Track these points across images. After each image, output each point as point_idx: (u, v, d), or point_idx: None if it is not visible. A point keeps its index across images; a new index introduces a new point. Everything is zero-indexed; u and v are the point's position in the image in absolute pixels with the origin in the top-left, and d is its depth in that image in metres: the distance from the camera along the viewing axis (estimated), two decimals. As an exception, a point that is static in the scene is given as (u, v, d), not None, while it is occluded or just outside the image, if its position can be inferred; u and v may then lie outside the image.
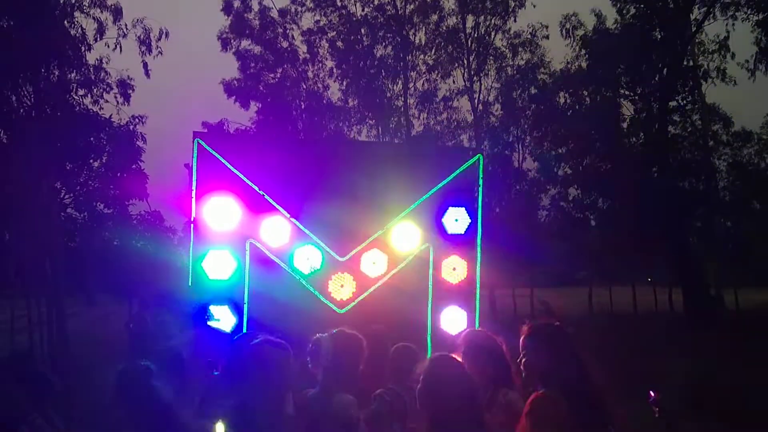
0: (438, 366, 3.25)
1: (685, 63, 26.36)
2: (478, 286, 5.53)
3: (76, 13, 20.35)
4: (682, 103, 27.78)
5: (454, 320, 5.38)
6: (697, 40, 26.63)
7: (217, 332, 4.93)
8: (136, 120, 21.16)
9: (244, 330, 4.94)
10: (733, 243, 32.56)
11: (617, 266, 33.17)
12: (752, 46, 24.56)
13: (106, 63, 20.97)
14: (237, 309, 5.06)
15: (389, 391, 4.00)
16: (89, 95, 20.65)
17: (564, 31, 28.90)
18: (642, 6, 26.41)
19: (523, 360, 3.20)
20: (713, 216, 30.06)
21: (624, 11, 27.25)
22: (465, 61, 30.76)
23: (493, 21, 30.51)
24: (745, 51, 25.19)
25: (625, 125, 28.85)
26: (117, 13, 20.94)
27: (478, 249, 5.52)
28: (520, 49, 30.83)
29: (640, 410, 3.72)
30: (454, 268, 5.45)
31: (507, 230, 23.21)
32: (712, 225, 30.41)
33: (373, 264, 5.34)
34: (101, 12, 20.77)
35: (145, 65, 21.75)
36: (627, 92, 28.31)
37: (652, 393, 3.62)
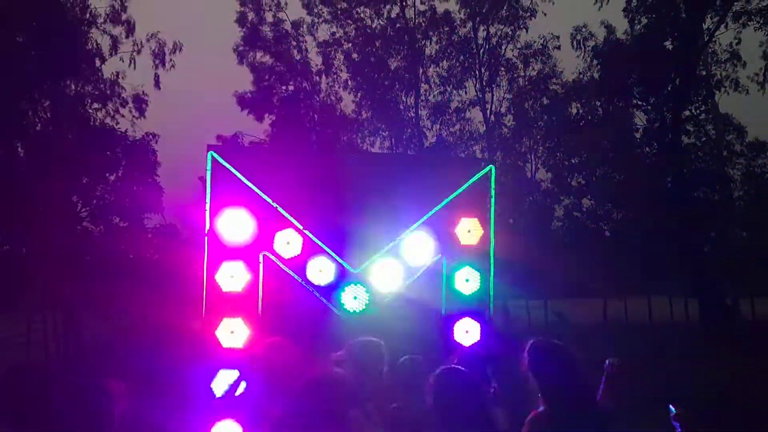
0: (446, 379, 3.26)
1: (697, 72, 26.28)
2: (491, 297, 5.52)
3: (92, 29, 20.67)
4: (695, 113, 27.68)
5: (467, 332, 5.37)
6: (710, 50, 26.57)
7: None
8: (150, 137, 21.41)
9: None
10: (748, 253, 32.22)
11: (632, 277, 32.91)
12: (761, 60, 24.57)
13: (122, 78, 21.27)
14: (251, 322, 5.09)
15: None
16: (104, 109, 20.93)
17: (575, 42, 28.96)
18: (653, 16, 26.39)
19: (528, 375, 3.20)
20: (728, 226, 29.81)
21: (635, 21, 27.25)
22: (477, 72, 30.84)
23: (503, 31, 30.60)
24: (755, 63, 25.17)
25: (638, 135, 28.76)
26: (130, 27, 21.24)
27: (491, 260, 5.51)
28: (531, 59, 30.88)
29: (661, 422, 3.67)
30: (467, 279, 5.45)
31: (520, 241, 23.13)
32: (728, 235, 30.16)
33: (387, 275, 5.35)
34: (114, 27, 21.09)
35: (157, 77, 22.08)
36: (640, 102, 28.23)
37: (673, 408, 3.56)
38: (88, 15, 20.72)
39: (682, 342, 20.09)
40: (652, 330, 27.45)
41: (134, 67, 21.44)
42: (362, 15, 30.65)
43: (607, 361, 3.51)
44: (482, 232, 5.50)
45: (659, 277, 32.83)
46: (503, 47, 30.82)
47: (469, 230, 5.48)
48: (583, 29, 28.82)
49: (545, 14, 30.32)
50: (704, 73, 26.83)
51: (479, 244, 5.49)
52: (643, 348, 17.99)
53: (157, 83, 22.15)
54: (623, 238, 28.70)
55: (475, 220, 5.50)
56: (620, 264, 29.57)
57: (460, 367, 3.50)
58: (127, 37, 21.37)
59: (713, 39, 26.12)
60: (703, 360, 15.15)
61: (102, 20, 21.00)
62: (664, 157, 26.30)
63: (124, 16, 21.24)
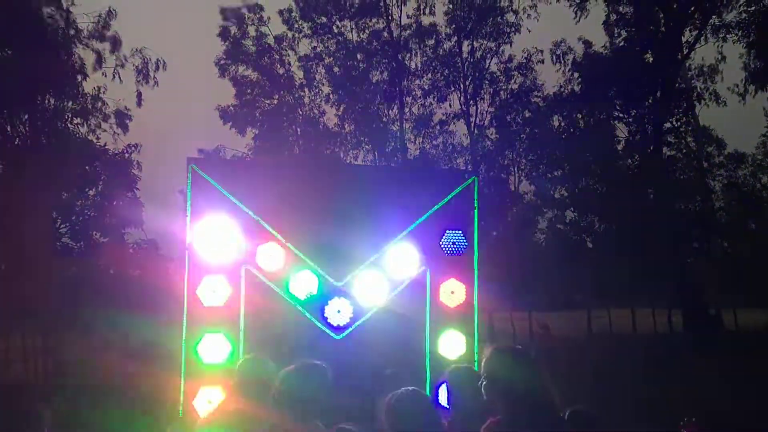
0: (399, 401, 3.22)
1: (677, 85, 26.60)
2: (476, 309, 5.47)
3: (75, 45, 20.51)
4: (676, 125, 27.98)
5: (452, 344, 5.32)
6: (688, 63, 26.94)
7: None
8: (132, 148, 21.24)
9: (240, 357, 4.87)
10: (730, 263, 32.53)
11: (615, 288, 33.07)
12: (741, 71, 24.91)
13: (104, 93, 21.10)
14: (233, 336, 5.00)
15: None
16: (85, 124, 20.75)
17: (555, 56, 29.23)
18: (633, 30, 26.70)
19: (484, 382, 3.12)
20: (710, 237, 30.09)
21: (615, 35, 27.56)
22: (461, 85, 30.98)
23: (488, 45, 30.82)
24: (736, 75, 25.58)
25: (619, 147, 29.00)
26: (115, 43, 21.11)
27: (476, 272, 5.48)
28: (514, 72, 31.09)
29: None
30: (453, 292, 5.40)
31: (504, 253, 23.18)
32: (709, 246, 30.43)
33: (370, 288, 5.29)
34: (100, 43, 20.95)
35: (139, 95, 21.95)
36: (621, 114, 28.49)
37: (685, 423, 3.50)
38: (72, 30, 20.54)
39: (667, 353, 20.16)
40: (637, 341, 27.53)
41: (120, 81, 21.28)
42: (342, 29, 30.75)
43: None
44: (466, 244, 5.47)
45: (642, 289, 33.02)
46: (487, 61, 31.04)
47: (453, 242, 5.44)
48: (562, 44, 29.12)
49: (529, 30, 30.61)
50: (684, 86, 27.14)
51: (463, 256, 5.45)
52: (629, 359, 18.05)
53: (139, 101, 22.00)
54: (606, 249, 28.86)
55: (459, 232, 5.46)
56: (603, 275, 29.72)
57: (417, 389, 3.43)
58: (112, 52, 21.21)
59: (692, 52, 26.47)
60: (690, 372, 15.19)
61: (86, 36, 20.82)
62: (646, 168, 26.51)
63: (108, 33, 21.08)
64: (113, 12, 20.88)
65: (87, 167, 20.67)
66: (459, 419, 3.79)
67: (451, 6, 30.16)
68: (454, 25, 30.35)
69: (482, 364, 3.15)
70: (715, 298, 29.29)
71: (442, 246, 5.43)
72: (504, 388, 2.99)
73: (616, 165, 28.15)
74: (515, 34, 30.44)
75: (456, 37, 30.64)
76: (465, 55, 30.86)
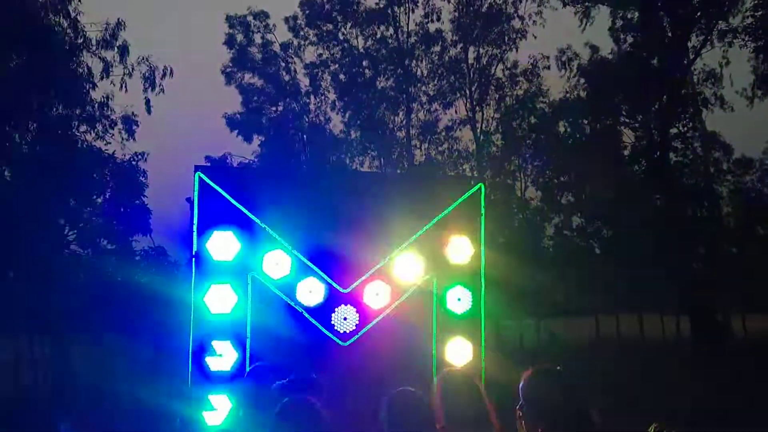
0: (397, 399, 3.24)
1: (684, 90, 26.53)
2: (483, 316, 5.46)
3: (84, 53, 20.61)
4: (683, 131, 27.89)
5: (459, 351, 5.31)
6: (694, 68, 26.87)
7: None
8: (138, 157, 21.31)
9: (247, 365, 4.88)
10: (738, 269, 32.36)
11: (623, 294, 32.95)
12: (750, 75, 24.82)
13: (111, 99, 21.18)
14: (240, 344, 5.02)
15: None
16: (93, 131, 20.82)
17: (560, 63, 29.21)
18: (639, 35, 26.67)
19: (521, 403, 3.12)
20: (718, 242, 29.95)
21: (621, 41, 27.53)
22: (467, 91, 31.00)
23: (492, 51, 30.82)
24: (743, 79, 25.47)
25: (626, 153, 28.94)
26: (124, 51, 21.17)
27: (482, 279, 5.47)
28: (519, 78, 31.10)
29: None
30: (459, 299, 5.39)
31: (511, 260, 23.10)
32: (717, 251, 30.29)
33: (377, 295, 5.28)
34: (108, 51, 21.03)
35: (148, 102, 21.97)
36: (627, 120, 28.43)
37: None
38: (81, 39, 20.65)
39: (675, 359, 20.06)
40: (645, 347, 27.44)
41: (125, 90, 21.36)
42: (348, 36, 30.84)
43: None
44: (473, 251, 5.46)
45: (650, 295, 32.90)
46: (493, 67, 31.05)
47: (460, 249, 5.43)
48: (568, 50, 29.10)
49: (535, 37, 30.61)
50: (690, 91, 27.07)
51: (470, 263, 5.44)
52: (637, 366, 17.97)
53: (148, 108, 22.06)
54: (613, 255, 28.77)
55: (466, 238, 5.45)
56: (611, 281, 29.61)
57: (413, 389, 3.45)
58: (120, 61, 21.27)
59: (699, 57, 26.41)
60: (696, 377, 15.10)
61: (94, 45, 20.93)
62: (653, 174, 26.44)
63: (117, 42, 21.15)
64: (122, 23, 21.00)
65: (95, 175, 20.75)
66: (453, 425, 3.77)
67: (456, 14, 30.20)
68: (460, 32, 30.38)
69: (520, 387, 3.14)
70: (722, 304, 29.14)
71: (449, 253, 5.43)
72: (545, 411, 2.99)
73: (623, 171, 28.06)
74: (521, 39, 30.48)
75: (462, 44, 30.67)
76: (471, 61, 30.89)
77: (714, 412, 10.33)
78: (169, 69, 22.10)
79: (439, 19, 30.40)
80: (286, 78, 31.12)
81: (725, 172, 31.76)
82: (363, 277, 5.28)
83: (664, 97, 26.29)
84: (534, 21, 30.38)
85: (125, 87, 21.38)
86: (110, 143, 21.13)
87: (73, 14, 20.48)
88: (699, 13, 25.39)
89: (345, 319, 5.23)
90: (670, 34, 25.78)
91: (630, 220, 25.66)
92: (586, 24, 27.52)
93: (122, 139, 21.29)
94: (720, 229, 28.98)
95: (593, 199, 28.34)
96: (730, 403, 11.50)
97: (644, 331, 30.81)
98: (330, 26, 30.66)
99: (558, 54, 29.30)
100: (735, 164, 32.01)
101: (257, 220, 5.15)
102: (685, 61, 25.76)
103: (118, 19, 21.07)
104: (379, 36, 30.56)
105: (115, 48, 21.11)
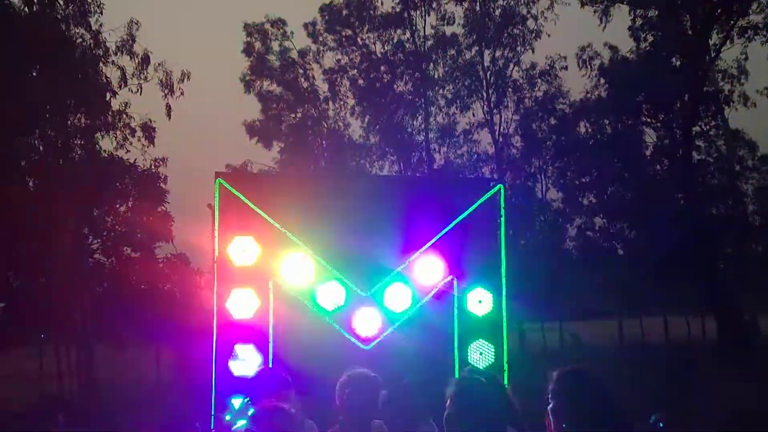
0: (469, 385, 3.20)
1: (705, 88, 26.25)
2: (504, 318, 5.43)
3: (102, 63, 20.79)
4: (705, 129, 27.60)
5: (481, 354, 5.28)
6: (716, 66, 26.58)
7: None
8: (158, 162, 21.41)
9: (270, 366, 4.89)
10: (765, 268, 31.86)
11: (647, 296, 32.57)
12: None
13: (129, 107, 21.30)
14: (261, 348, 5.04)
15: None
16: (113, 140, 20.99)
17: (581, 61, 29.00)
18: (659, 33, 26.43)
19: (551, 406, 3.08)
20: (743, 241, 29.54)
21: (641, 39, 27.29)
22: (484, 94, 30.91)
23: (507, 53, 30.72)
24: (764, 77, 25.19)
25: (648, 153, 28.69)
26: (145, 60, 21.27)
27: (503, 281, 5.44)
28: (537, 80, 30.94)
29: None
30: (480, 301, 5.37)
31: (533, 262, 22.99)
32: (743, 250, 29.87)
33: (398, 298, 5.28)
34: (130, 59, 21.16)
35: (168, 107, 21.97)
36: (649, 119, 28.18)
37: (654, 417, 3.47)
38: (101, 50, 20.82)
39: (704, 360, 19.76)
40: (670, 350, 27.06)
41: (140, 93, 21.40)
42: (367, 41, 30.89)
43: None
44: (494, 253, 5.44)
45: (674, 296, 32.49)
46: (510, 69, 30.92)
47: (480, 251, 5.41)
48: (588, 49, 28.88)
49: (549, 35, 30.41)
50: (712, 89, 26.78)
51: (490, 265, 5.42)
52: (662, 369, 17.71)
53: (168, 113, 22.09)
54: (637, 256, 28.48)
55: (486, 240, 5.44)
56: (635, 283, 29.30)
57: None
58: (142, 70, 21.32)
59: (720, 55, 26.13)
60: (726, 382, 14.84)
61: (114, 53, 21.07)
62: (676, 173, 26.17)
63: (140, 52, 21.21)
64: (136, 23, 21.02)
65: (117, 183, 20.94)
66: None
67: (466, 19, 30.13)
68: (474, 35, 30.30)
69: (549, 389, 3.11)
70: (749, 304, 28.70)
71: (469, 255, 5.41)
72: (575, 413, 2.96)
73: (645, 171, 27.82)
74: (536, 40, 30.30)
75: (477, 47, 30.59)
76: (486, 63, 30.80)
77: (755, 413, 10.09)
78: (186, 73, 22.07)
79: (453, 23, 30.37)
80: (305, 84, 31.24)
81: (750, 170, 31.29)
82: (384, 280, 5.28)
83: (686, 95, 26.03)
84: (545, 18, 30.13)
85: (140, 91, 21.38)
86: (129, 152, 21.27)
87: (94, 26, 20.70)
88: (719, 10, 25.12)
89: (366, 322, 5.24)
90: (690, 32, 25.54)
91: (653, 220, 25.40)
92: (605, 23, 27.30)
93: (142, 146, 21.38)
94: (745, 228, 28.57)
95: (616, 200, 28.11)
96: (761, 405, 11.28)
97: (669, 332, 30.36)
98: (349, 31, 30.74)
99: (578, 52, 29.10)
100: (760, 161, 31.52)
101: (277, 225, 5.18)
102: (707, 59, 25.49)
103: (131, 19, 21.07)
104: (396, 40, 30.60)
105: (138, 57, 21.17)
